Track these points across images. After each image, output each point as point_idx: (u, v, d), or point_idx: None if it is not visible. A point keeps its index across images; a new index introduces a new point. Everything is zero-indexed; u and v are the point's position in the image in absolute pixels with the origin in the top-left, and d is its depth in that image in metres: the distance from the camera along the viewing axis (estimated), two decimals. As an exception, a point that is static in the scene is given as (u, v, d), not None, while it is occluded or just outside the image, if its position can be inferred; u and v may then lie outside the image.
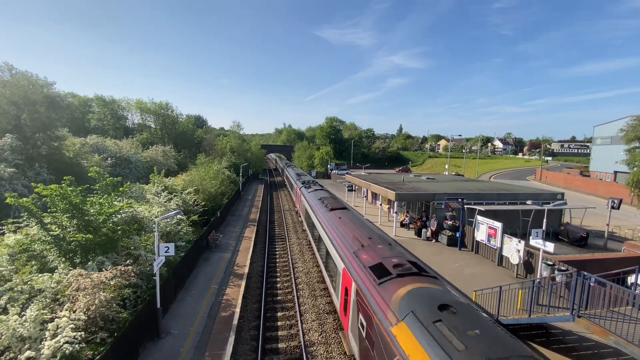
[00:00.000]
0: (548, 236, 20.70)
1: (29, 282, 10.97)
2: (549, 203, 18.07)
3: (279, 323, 13.94)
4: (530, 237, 15.26)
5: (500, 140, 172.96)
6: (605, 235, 23.67)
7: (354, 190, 41.57)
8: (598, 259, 17.06)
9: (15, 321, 8.79)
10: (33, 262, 12.79)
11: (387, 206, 32.67)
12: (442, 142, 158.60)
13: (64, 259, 12.83)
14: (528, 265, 16.91)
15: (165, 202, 22.11)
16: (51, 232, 12.73)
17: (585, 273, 9.79)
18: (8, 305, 9.78)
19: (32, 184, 14.48)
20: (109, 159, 33.55)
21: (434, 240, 23.72)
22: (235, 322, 12.90)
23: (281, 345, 12.39)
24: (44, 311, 9.63)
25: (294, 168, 59.79)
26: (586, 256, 18.14)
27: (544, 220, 16.02)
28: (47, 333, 8.72)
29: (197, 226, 23.76)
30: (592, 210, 27.05)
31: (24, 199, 12.73)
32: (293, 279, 18.20)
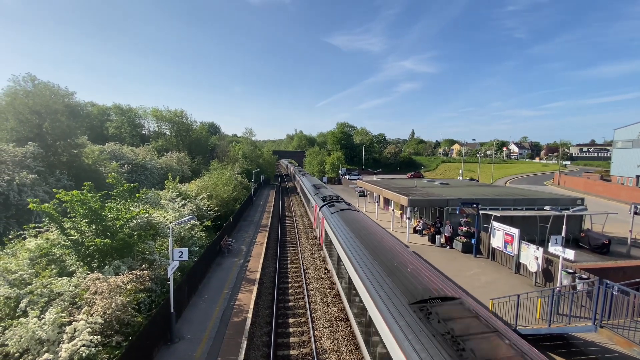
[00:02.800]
0: (568, 243, 19.97)
1: (48, 286, 11.28)
2: (568, 209, 17.45)
3: (291, 329, 13.87)
4: (549, 244, 14.78)
5: (516, 144, 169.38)
6: (629, 242, 22.76)
7: (366, 196, 41.34)
8: (621, 267, 16.41)
9: (34, 324, 9.04)
10: (53, 266, 13.17)
11: (400, 212, 32.31)
12: (456, 147, 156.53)
13: (82, 263, 13.17)
14: (547, 273, 16.38)
15: (179, 207, 22.50)
16: (70, 237, 13.10)
17: (608, 281, 9.43)
18: (28, 308, 10.07)
19: (53, 190, 14.98)
20: (126, 165, 34.49)
21: (448, 247, 23.28)
22: (247, 327, 12.92)
23: (293, 352, 12.31)
24: (62, 314, 9.86)
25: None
26: (608, 264, 17.46)
27: (564, 226, 15.48)
28: (64, 336, 8.92)
29: (210, 231, 24.08)
30: (613, 216, 26.07)
31: (46, 204, 13.17)
32: (305, 285, 18.15)
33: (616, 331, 8.89)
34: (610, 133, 64.78)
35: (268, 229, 29.51)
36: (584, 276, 13.84)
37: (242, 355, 11.14)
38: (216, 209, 27.89)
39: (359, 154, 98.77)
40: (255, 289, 16.61)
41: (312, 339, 12.94)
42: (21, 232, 15.61)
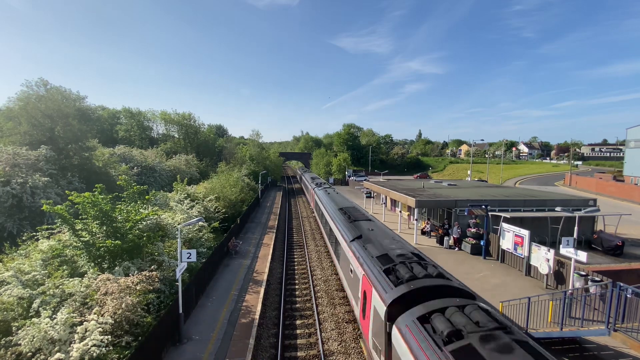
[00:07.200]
0: (580, 245, 19.63)
1: (60, 286, 11.47)
2: (579, 210, 17.13)
3: (298, 331, 13.87)
4: (561, 246, 14.53)
5: (526, 144, 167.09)
6: (643, 243, 22.25)
7: (373, 197, 41.20)
8: (635, 269, 16.06)
9: (46, 324, 9.18)
10: (64, 267, 13.39)
11: (407, 213, 32.11)
12: (464, 147, 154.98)
13: (93, 264, 13.37)
14: (559, 276, 16.10)
15: (187, 209, 22.70)
16: (82, 238, 13.31)
17: (622, 284, 9.26)
18: (40, 308, 10.25)
19: (66, 192, 15.25)
20: (135, 168, 34.90)
21: (456, 249, 23.05)
22: (254, 329, 12.95)
23: (300, 353, 12.30)
24: (74, 314, 10.01)
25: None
26: (622, 266, 17.10)
27: (575, 228, 15.19)
28: (76, 336, 9.04)
29: (217, 233, 24.23)
30: (627, 217, 25.54)
31: (58, 206, 13.42)
32: (312, 286, 18.13)
33: (630, 335, 8.70)
34: (623, 132, 63.53)
35: (275, 231, 29.58)
36: (596, 279, 13.57)
37: (249, 357, 11.17)
38: (224, 210, 28.07)
39: (366, 155, 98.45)
40: (262, 290, 16.66)
41: (320, 340, 12.92)
42: (34, 233, 15.93)
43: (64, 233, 14.81)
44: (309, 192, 41.92)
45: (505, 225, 19.45)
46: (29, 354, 8.85)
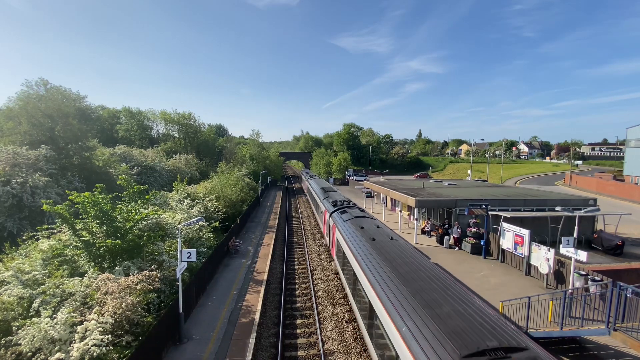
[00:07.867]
0: (580, 244, 19.65)
1: (60, 286, 11.46)
2: (580, 209, 17.13)
3: (298, 331, 13.88)
4: (561, 245, 14.53)
5: (526, 144, 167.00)
6: (644, 243, 22.22)
7: (373, 197, 41.21)
8: (635, 269, 16.05)
9: (47, 324, 9.18)
10: (65, 267, 13.38)
11: (407, 213, 32.11)
12: (464, 147, 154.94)
13: (93, 264, 13.37)
14: (559, 275, 16.09)
15: (187, 209, 22.68)
16: (82, 238, 13.31)
17: (622, 283, 9.25)
18: (41, 308, 10.25)
19: (66, 191, 15.24)
20: (135, 167, 34.88)
21: (457, 249, 23.04)
22: (255, 328, 12.96)
23: (300, 353, 12.31)
24: (74, 314, 10.00)
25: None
26: (622, 265, 17.09)
27: (575, 227, 15.19)
28: (76, 336, 9.04)
29: (218, 232, 24.23)
30: (627, 216, 25.52)
31: (59, 206, 13.41)
32: (312, 286, 18.14)
33: (630, 334, 8.70)
34: (623, 132, 63.55)
35: (275, 230, 29.59)
36: (596, 278, 13.57)
37: (249, 356, 11.18)
38: (224, 210, 28.06)
39: (366, 155, 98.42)
40: (262, 289, 16.67)
41: (320, 340, 12.93)
42: (34, 233, 15.92)
43: (64, 233, 14.80)
44: (321, 214, 28.42)
45: (505, 225, 19.44)
46: (29, 353, 8.85)
